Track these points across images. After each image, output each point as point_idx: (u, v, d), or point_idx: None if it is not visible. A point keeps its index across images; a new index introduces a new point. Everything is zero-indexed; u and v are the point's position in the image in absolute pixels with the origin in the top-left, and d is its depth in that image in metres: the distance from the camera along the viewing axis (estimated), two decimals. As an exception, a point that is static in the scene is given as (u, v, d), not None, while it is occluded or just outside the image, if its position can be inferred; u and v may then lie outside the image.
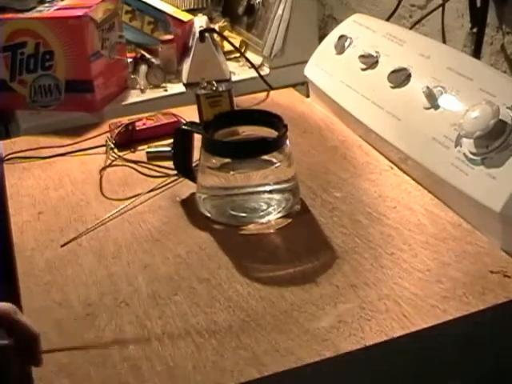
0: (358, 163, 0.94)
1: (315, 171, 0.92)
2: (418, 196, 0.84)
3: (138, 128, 1.06)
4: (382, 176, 0.90)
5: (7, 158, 1.03)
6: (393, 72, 0.93)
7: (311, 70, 1.15)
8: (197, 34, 1.28)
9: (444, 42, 1.15)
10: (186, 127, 0.86)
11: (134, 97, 1.28)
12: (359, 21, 1.10)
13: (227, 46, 1.37)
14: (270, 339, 0.62)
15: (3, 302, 0.58)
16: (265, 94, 1.23)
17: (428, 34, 1.17)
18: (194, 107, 1.04)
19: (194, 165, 0.88)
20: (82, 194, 0.91)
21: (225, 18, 1.54)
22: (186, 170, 0.88)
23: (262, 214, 0.80)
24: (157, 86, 1.31)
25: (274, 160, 0.80)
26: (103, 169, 0.97)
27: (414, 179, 0.87)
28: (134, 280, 0.72)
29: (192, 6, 1.61)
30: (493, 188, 0.72)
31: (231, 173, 0.81)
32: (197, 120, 1.00)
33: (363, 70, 1.01)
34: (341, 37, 1.09)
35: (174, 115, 1.09)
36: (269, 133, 0.82)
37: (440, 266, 0.70)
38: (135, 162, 0.98)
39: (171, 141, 0.88)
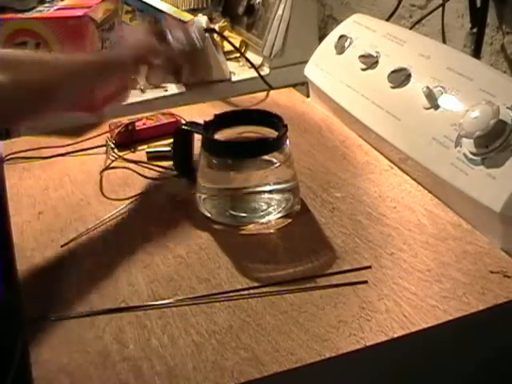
0: (358, 163, 0.94)
1: (315, 171, 0.92)
2: (418, 196, 0.84)
3: (137, 128, 1.06)
4: (382, 176, 0.90)
5: (7, 158, 1.03)
6: (393, 72, 0.93)
7: (311, 70, 1.15)
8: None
9: (444, 42, 1.15)
10: (185, 127, 0.86)
11: (134, 97, 1.28)
12: (359, 21, 1.10)
13: (227, 46, 1.37)
14: (270, 339, 0.62)
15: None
16: (265, 93, 1.23)
17: (428, 34, 1.17)
18: (194, 107, 1.04)
19: (194, 165, 0.88)
20: (82, 194, 0.91)
21: (225, 18, 1.54)
22: (186, 169, 0.88)
23: (261, 213, 0.80)
24: (157, 86, 1.31)
25: (274, 160, 0.80)
26: (103, 169, 0.97)
27: (414, 179, 0.87)
28: (134, 280, 0.72)
29: (192, 6, 1.61)
30: (493, 188, 0.73)
31: (231, 173, 0.81)
32: (197, 120, 1.00)
33: (363, 70, 1.01)
34: (341, 37, 1.09)
35: (173, 115, 1.09)
36: (269, 133, 0.82)
37: (440, 265, 0.70)
38: (135, 162, 0.98)
39: (171, 141, 0.88)
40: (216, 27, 1.44)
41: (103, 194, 0.90)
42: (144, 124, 1.07)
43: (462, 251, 0.72)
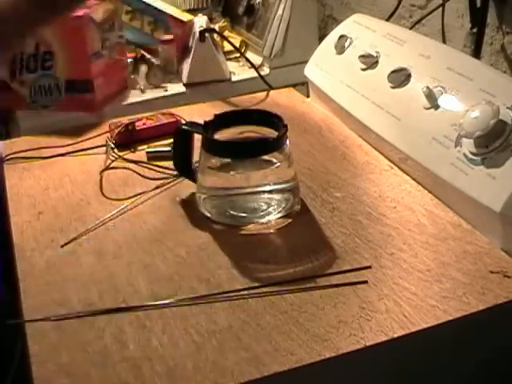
0: (357, 163, 0.94)
1: (315, 171, 0.92)
2: (418, 196, 0.84)
3: (138, 128, 1.06)
4: (382, 176, 0.90)
5: (7, 158, 1.03)
6: (393, 72, 0.93)
7: (311, 70, 1.15)
8: (197, 34, 1.28)
9: (444, 42, 1.15)
10: (185, 127, 0.86)
11: (134, 97, 1.28)
12: (359, 21, 1.10)
13: (227, 46, 1.37)
14: (270, 339, 0.62)
15: None
16: (265, 93, 1.23)
17: (428, 34, 1.17)
18: (194, 107, 1.04)
19: (194, 165, 0.88)
20: (82, 194, 0.91)
21: (225, 18, 1.54)
22: (186, 169, 0.88)
23: (261, 214, 0.80)
24: (157, 86, 1.31)
25: (274, 160, 0.80)
26: (103, 169, 0.97)
27: (414, 179, 0.87)
28: (134, 280, 0.72)
29: (192, 6, 1.62)
30: (493, 188, 0.73)
31: (231, 173, 0.81)
32: (197, 120, 1.00)
33: (363, 70, 1.01)
34: (341, 37, 1.09)
35: (173, 115, 1.09)
36: (269, 133, 0.82)
37: (440, 265, 0.70)
38: (135, 162, 0.98)
39: (171, 141, 0.88)
40: (216, 27, 1.44)
41: (103, 194, 0.90)
42: (144, 124, 1.07)
43: (462, 251, 0.72)
